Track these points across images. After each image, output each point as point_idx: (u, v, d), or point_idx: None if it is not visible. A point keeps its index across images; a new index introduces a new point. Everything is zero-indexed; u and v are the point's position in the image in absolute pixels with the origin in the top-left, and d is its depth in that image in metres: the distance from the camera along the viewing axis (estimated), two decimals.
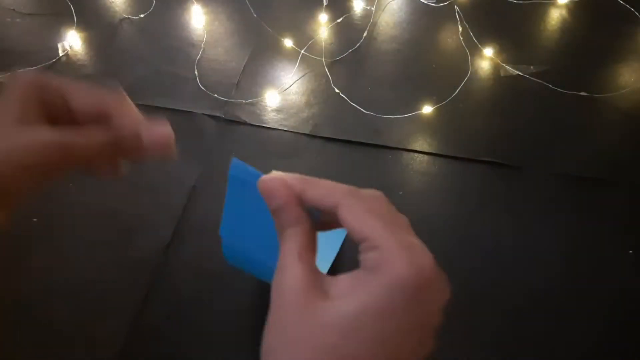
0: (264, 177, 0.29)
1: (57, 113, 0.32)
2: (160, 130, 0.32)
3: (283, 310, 0.25)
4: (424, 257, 0.25)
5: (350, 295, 0.24)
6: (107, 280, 0.51)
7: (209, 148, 0.61)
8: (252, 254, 0.38)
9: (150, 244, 0.53)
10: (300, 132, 0.61)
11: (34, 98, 0.31)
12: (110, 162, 0.33)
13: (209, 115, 0.63)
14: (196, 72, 0.67)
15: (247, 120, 0.63)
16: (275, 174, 0.29)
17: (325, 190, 0.28)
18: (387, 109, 0.62)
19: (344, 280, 0.26)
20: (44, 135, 0.30)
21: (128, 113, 0.32)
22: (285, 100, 0.64)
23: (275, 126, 0.62)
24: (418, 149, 0.59)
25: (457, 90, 0.64)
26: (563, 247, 0.52)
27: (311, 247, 0.28)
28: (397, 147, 0.59)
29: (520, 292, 0.50)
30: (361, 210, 0.26)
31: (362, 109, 0.63)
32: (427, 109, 0.62)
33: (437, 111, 0.62)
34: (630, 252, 0.51)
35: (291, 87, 0.65)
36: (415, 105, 0.63)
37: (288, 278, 0.26)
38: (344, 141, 0.60)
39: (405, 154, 0.59)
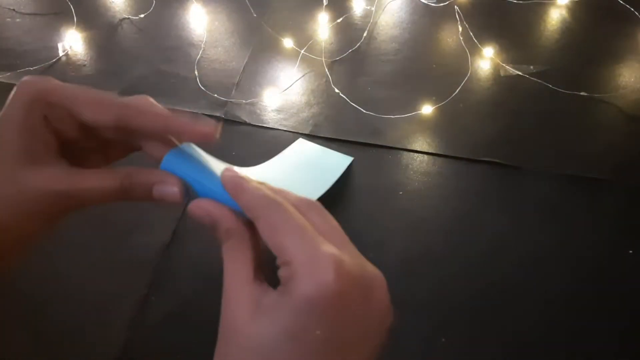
0: (190, 205, 0.28)
1: (65, 127, 0.29)
2: (173, 191, 0.29)
3: (222, 336, 0.26)
4: (326, 272, 0.23)
5: (269, 318, 0.24)
6: (106, 280, 0.51)
7: (209, 148, 0.60)
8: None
9: (150, 244, 0.53)
10: (300, 132, 0.61)
11: (37, 120, 0.28)
12: (117, 201, 0.30)
13: (209, 115, 0.63)
14: (196, 72, 0.67)
15: (247, 120, 0.63)
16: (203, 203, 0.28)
17: (248, 198, 0.26)
18: (387, 109, 0.62)
19: (270, 297, 0.25)
20: (49, 182, 0.27)
21: (149, 123, 0.29)
22: (285, 100, 0.64)
23: (275, 126, 0.62)
24: (418, 149, 0.59)
25: (457, 90, 0.64)
26: (563, 248, 0.52)
27: (245, 258, 0.27)
28: (397, 147, 0.59)
29: (521, 293, 0.50)
30: (277, 224, 0.25)
31: (362, 109, 0.63)
32: (427, 109, 0.62)
33: (437, 111, 0.62)
34: (630, 252, 0.51)
35: (291, 87, 0.65)
36: (415, 105, 0.63)
37: (226, 301, 0.26)
38: (344, 141, 0.60)
39: (405, 154, 0.59)
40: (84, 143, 0.31)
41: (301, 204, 0.27)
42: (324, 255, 0.23)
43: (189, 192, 0.30)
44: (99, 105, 0.29)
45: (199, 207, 0.28)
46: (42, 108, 0.28)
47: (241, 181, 0.27)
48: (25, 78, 0.28)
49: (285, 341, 0.23)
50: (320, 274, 0.23)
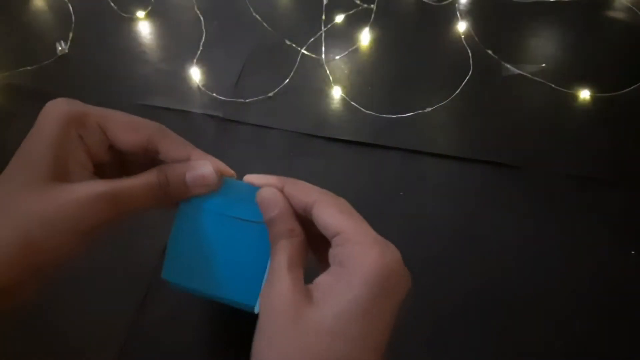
0: (263, 188, 0.30)
1: (96, 148, 0.29)
2: (203, 172, 0.31)
3: (272, 320, 0.26)
4: (393, 252, 0.27)
5: (332, 296, 0.25)
6: (105, 281, 0.51)
7: (208, 148, 0.60)
8: (207, 292, 0.34)
9: (149, 245, 0.53)
10: (300, 132, 0.61)
11: (72, 138, 0.28)
12: (159, 205, 0.31)
13: (208, 115, 0.63)
14: (196, 72, 0.66)
15: (247, 120, 0.62)
16: (252, 176, 0.31)
17: (302, 188, 0.29)
18: (387, 108, 0.62)
19: (323, 282, 0.27)
20: (87, 188, 0.27)
21: (175, 148, 0.31)
22: (285, 100, 0.64)
23: (275, 126, 0.62)
24: (418, 149, 0.59)
25: (458, 90, 0.63)
26: (564, 248, 0.52)
27: (301, 259, 0.28)
28: (397, 147, 0.59)
29: (521, 293, 0.49)
30: (335, 208, 0.28)
31: (362, 109, 0.62)
32: (427, 109, 0.62)
33: (438, 111, 0.62)
34: (633, 252, 0.51)
35: (291, 87, 0.65)
36: (416, 105, 0.62)
37: (277, 289, 0.27)
38: (344, 141, 0.60)
39: (405, 154, 0.59)
40: (110, 165, 0.31)
41: (340, 199, 0.30)
42: (384, 241, 0.27)
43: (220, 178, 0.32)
44: (132, 128, 0.30)
45: (275, 194, 0.30)
46: (77, 128, 0.28)
47: (282, 177, 0.31)
48: (56, 100, 0.28)
49: (356, 314, 0.25)
50: (388, 252, 0.26)
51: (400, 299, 0.27)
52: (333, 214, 0.27)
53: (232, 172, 0.34)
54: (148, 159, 0.31)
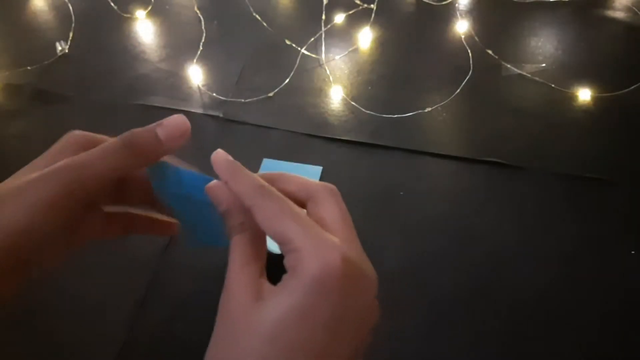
0: (213, 183, 0.29)
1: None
2: (174, 123, 0.30)
3: (223, 324, 0.26)
4: (333, 255, 0.24)
5: (275, 300, 0.25)
6: (104, 282, 0.51)
7: (208, 148, 0.60)
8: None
9: (148, 245, 0.53)
10: (300, 132, 0.61)
11: (74, 203, 0.27)
12: (126, 170, 0.29)
13: (208, 115, 0.63)
14: (196, 72, 0.66)
15: (247, 120, 0.62)
16: (219, 154, 0.29)
17: (241, 189, 0.27)
18: (387, 109, 0.62)
19: (275, 286, 0.26)
20: (52, 166, 0.27)
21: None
22: (285, 100, 0.64)
23: (275, 126, 0.62)
24: (418, 149, 0.59)
25: (458, 90, 0.63)
26: (564, 248, 0.52)
27: (256, 252, 0.27)
28: (397, 147, 0.59)
29: (521, 293, 0.49)
30: (275, 210, 0.26)
31: (362, 109, 0.62)
32: (427, 109, 0.62)
33: (438, 111, 0.62)
34: (633, 252, 0.51)
35: (291, 87, 0.65)
36: (416, 105, 0.62)
37: (228, 292, 0.26)
38: (344, 141, 0.60)
39: (405, 154, 0.59)
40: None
41: (320, 190, 0.28)
42: (330, 241, 0.25)
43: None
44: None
45: (220, 189, 0.28)
46: (80, 199, 0.28)
47: (236, 166, 0.28)
48: (70, 139, 0.29)
49: (294, 320, 0.24)
50: (328, 256, 0.24)
51: (354, 307, 0.25)
52: (271, 220, 0.26)
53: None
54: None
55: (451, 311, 0.49)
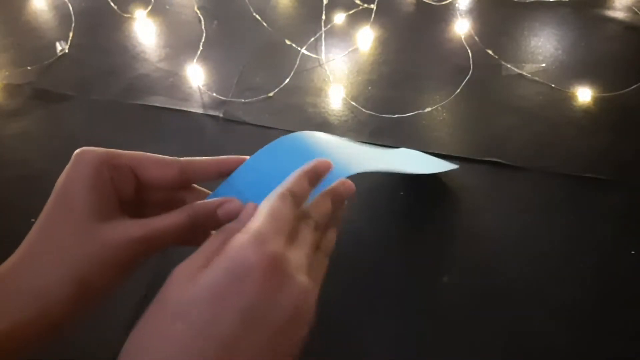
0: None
1: (125, 188, 0.31)
2: (232, 207, 0.32)
3: (155, 303, 0.27)
4: (260, 246, 0.25)
5: (197, 279, 0.26)
6: None
7: (208, 148, 0.60)
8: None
9: None
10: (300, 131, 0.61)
11: (107, 179, 0.30)
12: (187, 241, 0.33)
13: (208, 115, 0.63)
14: (196, 72, 0.66)
15: (247, 120, 0.62)
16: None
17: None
18: (387, 109, 0.62)
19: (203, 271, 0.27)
20: (128, 231, 0.29)
21: (206, 166, 0.33)
22: (285, 100, 0.64)
23: (275, 126, 0.62)
24: (418, 149, 0.59)
25: (458, 90, 0.63)
26: (564, 248, 0.52)
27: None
28: (397, 147, 0.59)
29: (521, 293, 0.49)
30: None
31: (362, 109, 0.62)
32: (427, 109, 0.62)
33: (438, 111, 0.62)
34: (633, 252, 0.51)
35: (291, 87, 0.65)
36: (416, 105, 0.62)
37: (172, 277, 0.27)
38: None
39: None
40: (134, 203, 0.33)
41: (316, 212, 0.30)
42: (265, 236, 0.26)
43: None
44: (163, 164, 0.32)
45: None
46: (109, 170, 0.30)
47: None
48: (87, 148, 0.31)
49: (207, 297, 0.25)
50: (256, 248, 0.25)
51: (273, 303, 0.25)
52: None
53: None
54: (168, 197, 0.34)
55: (451, 310, 0.49)
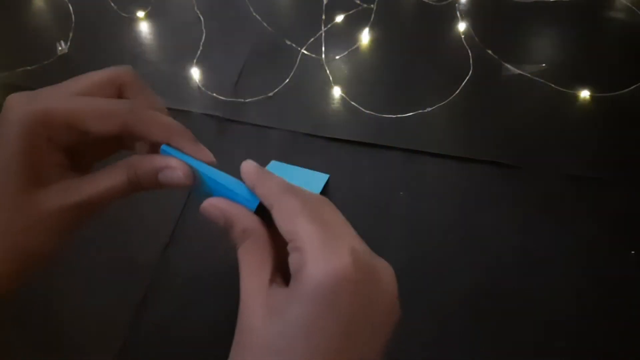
0: (204, 204, 0.29)
1: (67, 141, 0.29)
2: (175, 177, 0.30)
3: (238, 334, 0.25)
4: (341, 256, 0.23)
5: (282, 314, 0.24)
6: (104, 282, 0.51)
7: (208, 148, 0.60)
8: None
9: (149, 245, 0.53)
10: (300, 132, 0.61)
11: (40, 143, 0.28)
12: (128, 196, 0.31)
13: (208, 115, 0.63)
14: (195, 72, 0.66)
15: (247, 120, 0.62)
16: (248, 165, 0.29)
17: (265, 191, 0.27)
18: (387, 108, 0.62)
19: (283, 293, 0.25)
20: (64, 198, 0.28)
21: (155, 132, 0.31)
22: (285, 100, 0.64)
23: (275, 126, 0.62)
24: (418, 148, 0.59)
25: (458, 90, 0.63)
26: (564, 248, 0.52)
27: (262, 260, 0.27)
28: (397, 147, 0.59)
29: (521, 293, 0.49)
30: (293, 210, 0.25)
31: (362, 109, 0.62)
32: (427, 109, 0.62)
33: (438, 111, 0.62)
34: (632, 252, 0.51)
35: (291, 87, 0.65)
36: (416, 105, 0.62)
37: (242, 301, 0.26)
38: (344, 141, 0.60)
39: (405, 154, 0.59)
40: (82, 147, 0.31)
41: (314, 199, 0.27)
42: (339, 241, 0.24)
43: (193, 178, 0.31)
44: (105, 118, 0.29)
45: (213, 205, 0.28)
46: (45, 131, 0.28)
47: (262, 170, 0.28)
48: (16, 97, 0.28)
49: (299, 332, 0.23)
50: (335, 258, 0.23)
51: (368, 312, 0.24)
52: (287, 218, 0.25)
53: (211, 159, 0.32)
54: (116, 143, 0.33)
55: (451, 310, 0.49)
